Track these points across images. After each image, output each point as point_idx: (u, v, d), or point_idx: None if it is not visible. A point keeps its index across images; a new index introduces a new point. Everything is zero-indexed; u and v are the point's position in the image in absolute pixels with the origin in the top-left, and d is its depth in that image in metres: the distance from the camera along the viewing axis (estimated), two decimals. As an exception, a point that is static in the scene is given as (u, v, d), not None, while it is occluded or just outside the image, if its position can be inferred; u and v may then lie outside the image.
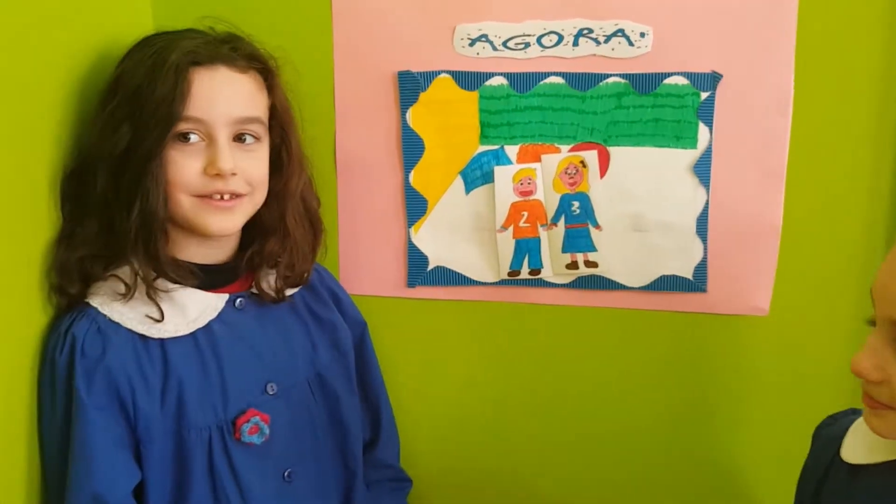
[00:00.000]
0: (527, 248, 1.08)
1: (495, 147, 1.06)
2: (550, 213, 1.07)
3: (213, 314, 0.88)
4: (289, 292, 0.96)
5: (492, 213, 1.07)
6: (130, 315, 0.84)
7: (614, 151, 1.04)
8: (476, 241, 1.09)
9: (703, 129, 1.02)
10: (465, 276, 1.10)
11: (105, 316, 0.83)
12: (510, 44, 1.02)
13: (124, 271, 0.84)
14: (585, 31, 1.01)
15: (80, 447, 0.79)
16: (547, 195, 1.07)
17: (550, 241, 1.08)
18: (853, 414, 0.79)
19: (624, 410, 1.12)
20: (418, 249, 1.10)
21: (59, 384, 0.81)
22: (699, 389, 1.10)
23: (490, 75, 1.04)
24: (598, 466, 1.15)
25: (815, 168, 1.01)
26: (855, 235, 1.02)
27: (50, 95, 0.84)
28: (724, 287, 1.06)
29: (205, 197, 0.84)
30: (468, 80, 1.04)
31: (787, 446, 1.05)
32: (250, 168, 0.86)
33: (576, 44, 1.01)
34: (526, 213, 1.07)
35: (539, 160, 1.06)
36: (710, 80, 1.00)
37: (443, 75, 1.04)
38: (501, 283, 1.10)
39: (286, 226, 0.93)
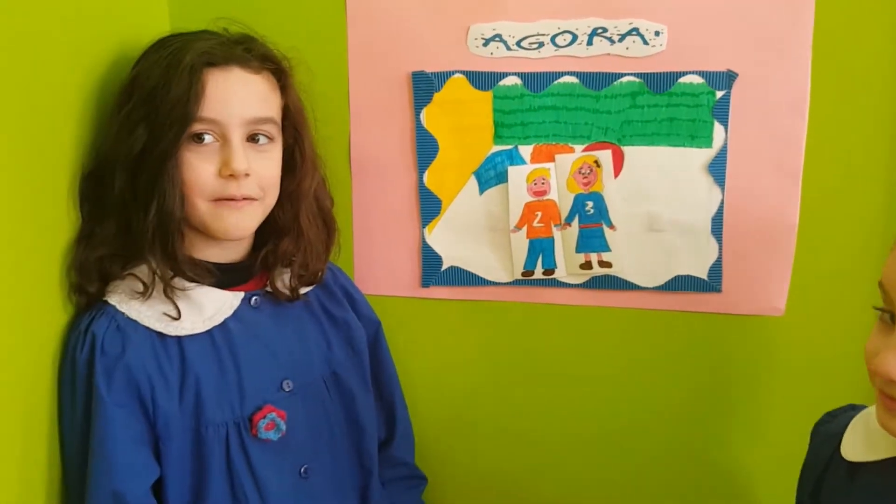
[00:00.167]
0: (540, 248, 1.08)
1: (509, 147, 1.06)
2: (564, 213, 1.07)
3: (229, 312, 0.89)
4: (303, 291, 0.97)
5: (505, 213, 1.07)
6: (148, 313, 0.85)
7: (629, 151, 1.04)
8: (490, 242, 1.09)
9: (718, 128, 1.01)
10: (478, 277, 1.11)
11: (123, 314, 0.84)
12: (524, 43, 1.02)
13: (142, 270, 0.85)
14: (600, 31, 1.00)
15: (99, 444, 0.80)
16: (561, 195, 1.07)
17: (564, 241, 1.08)
18: (852, 410, 0.78)
19: (638, 411, 1.12)
20: (432, 249, 1.11)
21: (79, 382, 0.82)
22: (714, 390, 1.10)
23: (504, 75, 1.04)
24: (613, 466, 1.15)
25: (832, 167, 1.00)
26: (872, 234, 1.01)
27: (69, 97, 0.85)
28: (739, 287, 1.05)
29: (219, 200, 0.85)
30: (482, 80, 1.04)
31: (803, 447, 1.04)
32: (262, 169, 0.87)
33: (590, 43, 1.01)
34: (540, 213, 1.07)
35: (553, 160, 1.06)
36: (726, 79, 1.00)
37: (457, 75, 1.05)
38: (515, 283, 1.10)
39: (300, 226, 0.94)
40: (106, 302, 0.85)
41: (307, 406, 0.94)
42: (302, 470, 0.93)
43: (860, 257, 1.02)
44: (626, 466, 1.14)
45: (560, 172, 1.06)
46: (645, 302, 1.08)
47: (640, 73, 1.01)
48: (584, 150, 1.05)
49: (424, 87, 1.05)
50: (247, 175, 0.84)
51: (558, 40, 1.02)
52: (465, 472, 1.18)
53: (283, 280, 0.95)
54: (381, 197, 1.10)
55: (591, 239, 1.07)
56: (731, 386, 1.09)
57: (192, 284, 0.87)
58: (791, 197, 1.02)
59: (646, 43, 1.00)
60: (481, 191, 1.08)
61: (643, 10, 0.99)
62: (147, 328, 0.84)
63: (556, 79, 1.03)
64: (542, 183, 1.06)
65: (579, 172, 1.06)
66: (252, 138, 0.87)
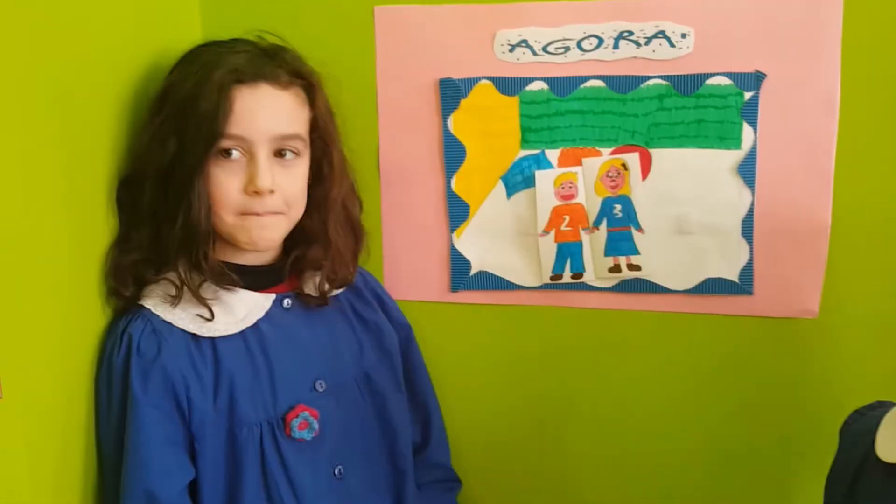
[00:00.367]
0: (569, 252, 1.08)
1: (536, 151, 1.07)
2: (592, 217, 1.07)
3: (261, 313, 0.91)
4: (333, 293, 0.98)
5: (533, 217, 1.08)
6: (182, 315, 0.87)
7: (656, 154, 1.04)
8: (518, 246, 1.10)
9: (747, 129, 1.01)
10: (507, 281, 1.11)
11: (159, 316, 0.86)
12: (550, 48, 1.03)
13: (173, 275, 0.87)
14: (626, 34, 1.01)
15: (133, 444, 0.82)
16: (588, 199, 1.07)
17: (592, 244, 1.07)
18: (880, 407, 0.76)
19: (669, 415, 1.11)
20: (461, 254, 1.11)
21: (115, 383, 0.84)
22: (746, 394, 1.08)
23: (530, 80, 1.04)
24: (645, 469, 1.14)
25: (863, 166, 0.98)
26: (906, 235, 0.99)
27: (106, 104, 0.87)
28: (771, 289, 1.04)
29: (245, 214, 0.87)
30: (508, 85, 1.05)
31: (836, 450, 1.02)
32: (287, 184, 0.88)
33: (616, 46, 1.01)
34: (567, 217, 1.07)
35: (580, 164, 1.06)
36: (754, 80, 0.99)
37: (483, 81, 1.06)
38: (544, 287, 1.10)
39: (328, 234, 0.95)
40: (142, 305, 0.87)
41: (340, 407, 0.94)
42: (336, 471, 0.93)
43: (894, 258, 1.00)
44: (659, 469, 1.13)
45: (587, 176, 1.06)
46: (675, 305, 1.07)
47: (667, 76, 1.01)
48: (612, 153, 1.05)
49: (451, 93, 1.06)
50: (271, 192, 0.86)
51: (584, 44, 1.02)
52: (497, 475, 1.17)
53: (313, 283, 0.96)
54: (410, 203, 1.11)
55: (620, 242, 1.06)
56: (764, 389, 1.07)
57: (223, 287, 0.88)
58: (823, 197, 1.00)
59: (672, 45, 1.00)
60: (509, 195, 1.08)
61: (669, 13, 0.99)
62: (182, 330, 0.86)
63: (582, 83, 1.04)
64: (570, 187, 1.07)
65: (607, 176, 1.06)
66: (279, 153, 0.88)
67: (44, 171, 0.76)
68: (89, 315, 0.85)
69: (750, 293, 1.05)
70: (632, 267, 1.07)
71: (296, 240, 0.95)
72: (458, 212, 1.10)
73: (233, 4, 1.07)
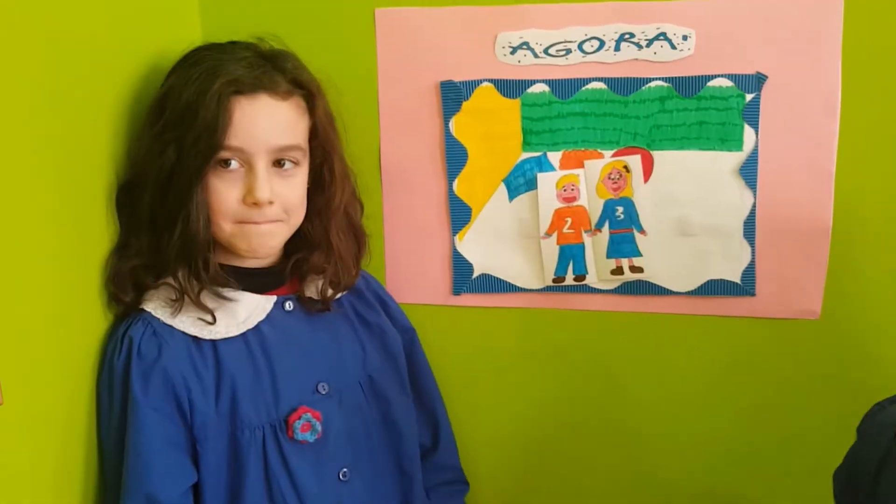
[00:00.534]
0: (571, 255, 1.08)
1: (538, 154, 1.07)
2: (594, 219, 1.07)
3: (262, 315, 0.90)
4: (335, 298, 0.97)
5: (535, 219, 1.08)
6: (183, 318, 0.86)
7: (658, 156, 1.04)
8: (520, 248, 1.10)
9: (748, 131, 1.01)
10: (509, 283, 1.11)
11: (159, 319, 0.86)
12: (551, 50, 1.03)
13: (173, 281, 0.87)
14: (627, 36, 1.01)
15: (134, 447, 0.81)
16: (590, 201, 1.07)
17: (595, 246, 1.07)
18: None
19: (672, 416, 1.11)
20: (463, 257, 1.11)
21: (116, 386, 0.83)
22: (749, 394, 1.08)
23: (532, 82, 1.04)
24: (645, 471, 1.14)
25: (865, 167, 0.99)
26: (908, 235, 1.00)
27: (105, 107, 0.87)
28: (773, 291, 1.05)
29: (245, 223, 0.86)
30: (510, 87, 1.05)
31: (839, 450, 1.02)
32: (286, 193, 0.88)
33: (617, 49, 1.02)
34: (570, 220, 1.07)
35: (582, 166, 1.06)
36: (755, 82, 0.99)
37: (485, 84, 1.06)
38: (546, 289, 1.10)
39: (330, 241, 0.95)
40: (142, 309, 0.86)
41: (344, 409, 0.94)
42: (341, 473, 0.93)
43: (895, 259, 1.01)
44: (662, 469, 1.13)
45: (589, 178, 1.06)
46: (678, 307, 1.07)
47: (669, 78, 1.01)
48: (613, 155, 1.05)
49: (453, 96, 1.06)
50: (270, 203, 0.86)
51: (585, 47, 1.02)
52: (502, 477, 1.17)
53: (315, 287, 0.96)
54: (412, 206, 1.11)
55: (622, 244, 1.06)
56: (767, 390, 1.07)
57: (224, 290, 0.88)
58: (824, 199, 1.01)
59: (673, 47, 1.00)
60: (511, 198, 1.08)
61: (670, 15, 1.00)
62: (183, 333, 0.86)
63: (583, 85, 1.04)
64: (572, 189, 1.07)
65: (608, 178, 1.06)
66: (277, 163, 0.88)
67: (43, 173, 0.76)
68: (90, 319, 0.85)
69: (752, 294, 1.05)
70: (634, 269, 1.07)
71: (297, 244, 0.95)
72: (460, 214, 1.10)
73: (233, 6, 1.07)
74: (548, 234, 1.08)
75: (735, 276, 1.05)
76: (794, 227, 1.02)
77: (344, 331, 0.99)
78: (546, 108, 1.05)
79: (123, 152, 0.90)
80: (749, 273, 1.05)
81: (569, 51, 1.03)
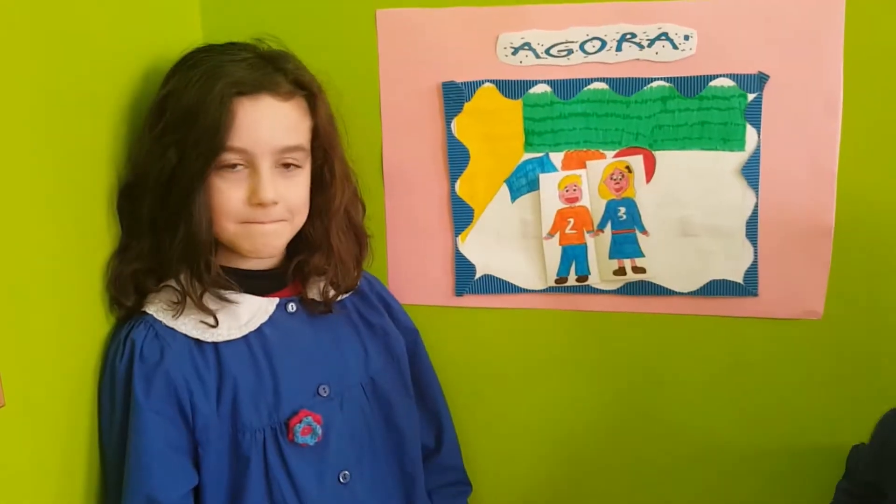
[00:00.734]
0: (573, 255, 1.08)
1: (540, 154, 1.07)
2: (597, 220, 1.07)
3: (264, 318, 0.90)
4: (338, 298, 0.97)
5: (538, 220, 1.08)
6: (185, 321, 0.86)
7: (660, 156, 1.04)
8: (523, 249, 1.09)
9: (750, 130, 1.01)
10: (512, 284, 1.10)
11: (161, 322, 0.86)
12: (553, 51, 1.03)
13: (175, 284, 0.86)
14: (628, 36, 1.01)
15: (135, 449, 0.81)
16: (593, 201, 1.06)
17: (597, 247, 1.07)
18: None
19: (675, 417, 1.11)
20: (465, 258, 1.11)
21: (118, 389, 0.83)
22: (751, 395, 1.08)
23: (533, 83, 1.04)
24: (648, 472, 1.13)
25: (867, 167, 0.99)
26: (910, 235, 1.00)
27: (104, 109, 0.87)
28: (775, 291, 1.04)
29: (248, 223, 0.86)
30: (512, 88, 1.05)
31: (842, 451, 1.02)
32: (289, 193, 0.88)
33: (619, 49, 1.01)
34: (572, 220, 1.07)
35: (584, 166, 1.06)
36: (757, 82, 0.99)
37: (486, 84, 1.05)
38: (549, 290, 1.10)
39: (331, 242, 0.95)
40: (144, 312, 0.86)
41: (345, 412, 0.94)
42: (341, 476, 0.93)
43: (899, 258, 1.00)
44: (665, 470, 1.13)
45: (591, 179, 1.06)
46: (680, 307, 1.07)
47: (670, 78, 1.01)
48: (616, 155, 1.05)
49: (455, 96, 1.06)
50: (275, 203, 0.86)
51: (587, 47, 1.02)
52: (503, 480, 1.17)
53: (318, 289, 0.96)
54: (414, 207, 1.11)
55: (625, 245, 1.06)
56: (769, 390, 1.07)
57: (226, 292, 0.88)
58: (826, 198, 1.01)
59: (675, 47, 1.00)
60: (513, 199, 1.08)
61: (672, 15, 0.99)
62: (185, 335, 0.86)
63: (585, 85, 1.04)
64: (574, 189, 1.06)
65: (611, 178, 1.06)
66: (280, 164, 0.88)
67: (44, 176, 0.76)
68: (92, 321, 0.85)
69: (754, 295, 1.05)
70: (636, 269, 1.07)
71: (298, 245, 0.95)
72: (462, 215, 1.10)
73: (234, 6, 1.07)
74: (550, 235, 1.08)
75: (737, 277, 1.05)
76: (796, 227, 1.02)
77: (347, 333, 0.98)
78: (548, 109, 1.05)
79: (124, 154, 0.89)
80: (751, 273, 1.04)
81: (570, 51, 1.03)
